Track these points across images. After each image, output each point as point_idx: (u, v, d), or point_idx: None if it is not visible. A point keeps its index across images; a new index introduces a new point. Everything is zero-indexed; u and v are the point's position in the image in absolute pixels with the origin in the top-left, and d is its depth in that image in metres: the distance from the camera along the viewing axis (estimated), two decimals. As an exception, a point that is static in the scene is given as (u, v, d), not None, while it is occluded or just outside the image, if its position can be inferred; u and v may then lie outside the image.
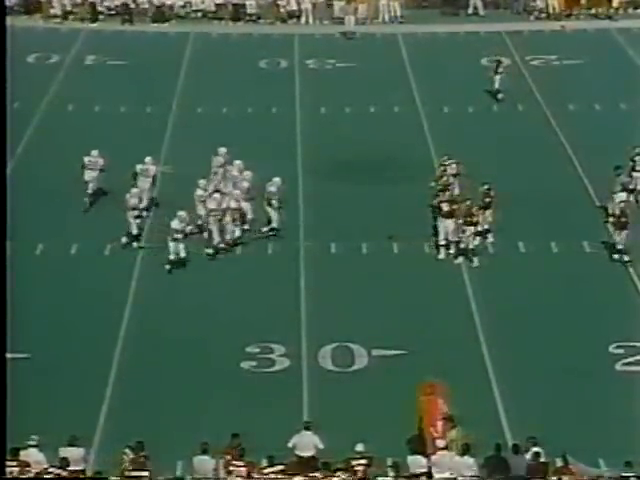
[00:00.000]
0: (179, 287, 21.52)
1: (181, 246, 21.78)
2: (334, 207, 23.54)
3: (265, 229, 23.10)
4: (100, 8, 37.24)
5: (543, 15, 37.26)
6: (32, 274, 20.96)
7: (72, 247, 22.89)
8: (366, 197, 24.48)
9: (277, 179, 23.28)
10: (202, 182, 23.41)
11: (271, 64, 33.28)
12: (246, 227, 23.11)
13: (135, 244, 22.76)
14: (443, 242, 22.25)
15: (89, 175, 24.38)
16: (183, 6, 37.38)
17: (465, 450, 15.58)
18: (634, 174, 24.30)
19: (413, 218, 23.08)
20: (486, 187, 22.85)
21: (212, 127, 28.56)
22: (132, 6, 37.05)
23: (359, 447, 15.69)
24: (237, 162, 24.34)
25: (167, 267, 21.75)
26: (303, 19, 37.30)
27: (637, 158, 24.46)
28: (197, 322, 20.22)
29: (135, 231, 22.85)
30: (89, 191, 24.39)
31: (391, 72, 32.37)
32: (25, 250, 21.77)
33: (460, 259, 22.09)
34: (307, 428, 16.30)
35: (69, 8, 37.00)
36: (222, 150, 24.88)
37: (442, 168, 24.31)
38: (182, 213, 21.99)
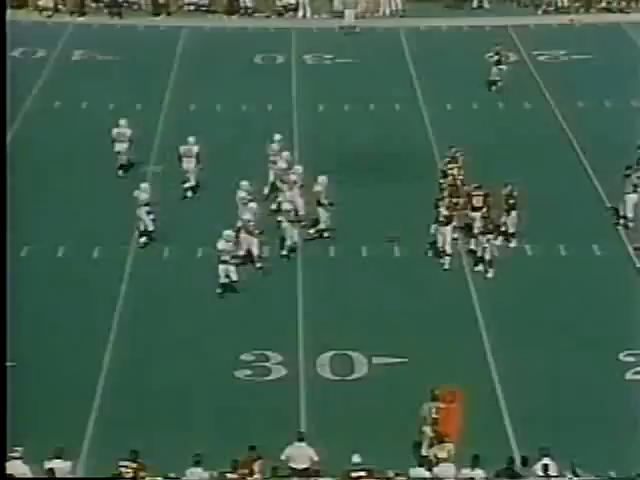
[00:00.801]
0: (171, 293, 21.55)
1: (231, 268, 20.99)
2: (333, 208, 23.56)
3: (312, 231, 22.86)
4: (88, 1, 37.33)
5: (551, 8, 37.35)
6: (17, 277, 20.98)
7: (59, 250, 22.94)
8: (366, 198, 24.53)
9: (323, 177, 23.04)
10: (244, 184, 23.04)
11: (267, 59, 33.34)
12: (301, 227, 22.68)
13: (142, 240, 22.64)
14: (442, 250, 22.09)
15: (119, 147, 25.59)
16: (175, -1, 37.52)
17: (475, 463, 15.64)
18: None
19: (415, 220, 23.13)
20: (509, 188, 22.76)
21: (205, 125, 28.61)
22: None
23: (355, 458, 15.71)
24: (285, 154, 24.25)
25: (218, 291, 21.05)
26: (300, 12, 37.36)
27: None
28: (189, 329, 20.27)
29: (151, 227, 22.79)
30: (122, 162, 25.59)
31: (392, 68, 32.44)
32: (10, 252, 21.79)
33: (480, 267, 21.85)
34: (301, 439, 16.31)
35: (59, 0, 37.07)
36: (277, 137, 24.97)
37: (448, 164, 24.30)
38: (228, 232, 21.14)
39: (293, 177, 23.39)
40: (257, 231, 22.07)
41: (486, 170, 24.54)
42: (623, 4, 37.18)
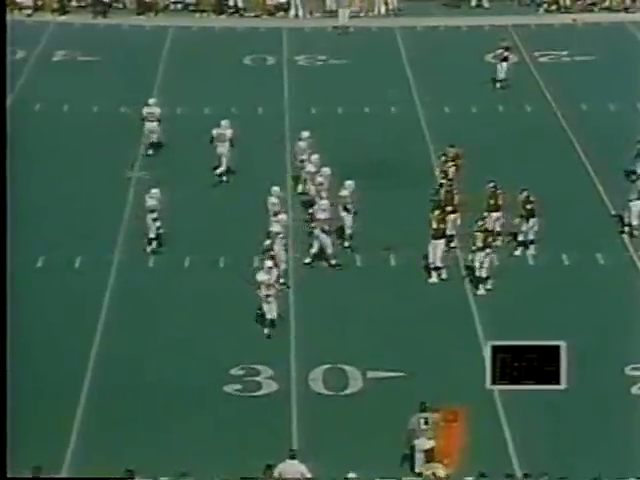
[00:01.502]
0: (158, 303, 21.54)
1: (274, 306, 20.33)
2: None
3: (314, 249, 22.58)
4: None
5: (553, 7, 37.48)
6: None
7: (39, 260, 22.91)
8: (360, 205, 24.53)
9: (350, 182, 23.05)
10: (276, 189, 23.04)
11: (257, 60, 33.38)
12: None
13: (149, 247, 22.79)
14: (432, 265, 21.96)
15: (149, 126, 26.86)
16: (162, -3, 37.56)
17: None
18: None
19: (411, 228, 23.13)
20: (525, 194, 22.74)
21: (192, 129, 28.62)
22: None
23: (351, 475, 15.71)
24: (315, 157, 24.36)
25: (266, 332, 20.31)
26: (292, 12, 37.43)
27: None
28: (176, 342, 20.24)
29: (152, 235, 22.87)
30: (153, 140, 26.86)
31: (388, 69, 32.51)
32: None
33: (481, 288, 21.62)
34: (293, 457, 16.34)
35: (38, -3, 37.14)
36: (305, 134, 25.26)
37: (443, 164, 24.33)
38: (269, 263, 20.48)
39: (320, 179, 23.48)
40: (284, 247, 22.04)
41: (486, 175, 24.55)
42: (627, 3, 37.33)
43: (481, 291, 21.59)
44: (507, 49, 30.85)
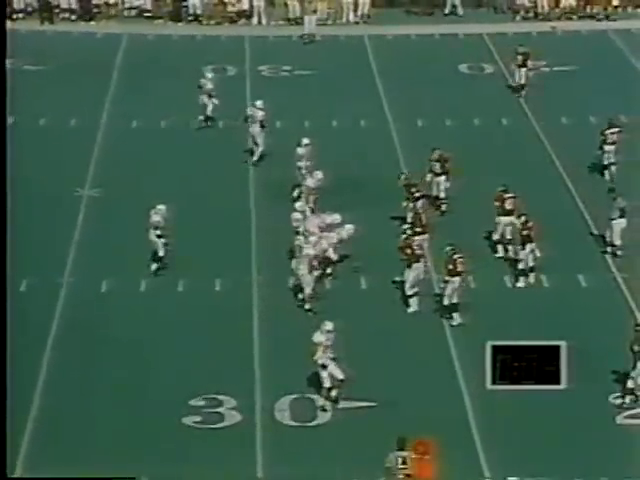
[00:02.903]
0: (111, 328, 21.58)
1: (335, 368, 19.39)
2: (291, 236, 23.74)
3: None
4: (16, 5, 37.41)
5: (530, 15, 37.93)
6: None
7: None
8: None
9: (337, 216, 23.34)
10: (300, 204, 23.49)
11: (218, 71, 33.54)
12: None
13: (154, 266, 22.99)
14: (411, 291, 22.06)
15: (252, 130, 27.41)
16: (114, 3, 37.64)
17: None
18: (605, 147, 26.32)
19: (382, 248, 23.35)
20: (523, 219, 22.88)
21: (148, 143, 28.77)
22: (54, 3, 37.21)
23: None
24: (317, 173, 24.78)
25: (319, 406, 19.39)
26: (255, 19, 37.65)
27: (607, 132, 26.54)
28: (130, 370, 20.29)
29: (162, 253, 22.97)
30: (260, 148, 27.40)
31: (357, 80, 32.77)
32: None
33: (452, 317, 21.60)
34: (259, 492, 16.43)
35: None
36: (305, 141, 25.80)
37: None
38: (330, 325, 19.37)
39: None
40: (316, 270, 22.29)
41: (461, 193, 24.87)
42: (609, 11, 37.80)
43: (456, 321, 21.73)
44: (525, 55, 31.11)
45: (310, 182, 24.87)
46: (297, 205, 23.63)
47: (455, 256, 21.49)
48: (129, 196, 26.04)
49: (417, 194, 24.35)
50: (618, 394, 19.52)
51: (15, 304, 21.99)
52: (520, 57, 31.13)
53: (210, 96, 29.01)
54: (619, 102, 30.36)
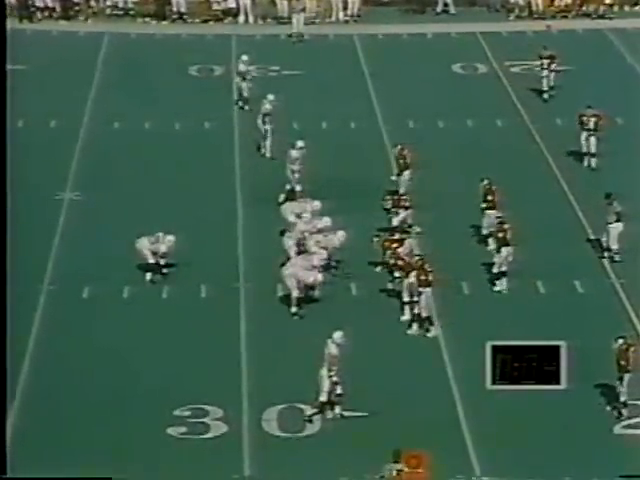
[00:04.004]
0: (93, 336, 21.52)
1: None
2: (279, 242, 23.72)
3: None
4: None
5: (525, 13, 38.02)
6: None
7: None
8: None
9: (327, 219, 23.48)
10: (306, 216, 23.55)
11: (203, 71, 33.55)
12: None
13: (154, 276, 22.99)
14: (408, 299, 21.95)
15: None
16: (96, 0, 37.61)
17: None
18: (583, 134, 27.31)
19: (374, 253, 23.34)
20: (497, 220, 23.11)
21: (132, 146, 28.72)
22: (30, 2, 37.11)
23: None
24: (316, 203, 24.31)
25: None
26: (241, 17, 37.64)
27: (584, 118, 27.31)
28: (113, 379, 20.22)
29: (152, 260, 22.96)
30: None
31: (346, 81, 32.79)
32: None
33: (415, 328, 21.55)
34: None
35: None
36: (299, 143, 25.81)
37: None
38: (339, 334, 19.39)
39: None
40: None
41: (453, 197, 24.88)
42: (605, 9, 37.89)
43: (432, 333, 21.61)
44: (551, 58, 31.13)
45: (307, 215, 24.03)
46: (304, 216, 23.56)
47: (425, 266, 21.49)
48: (112, 200, 26.00)
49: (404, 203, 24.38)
50: (614, 405, 19.53)
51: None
52: (545, 61, 31.13)
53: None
54: (616, 104, 30.40)
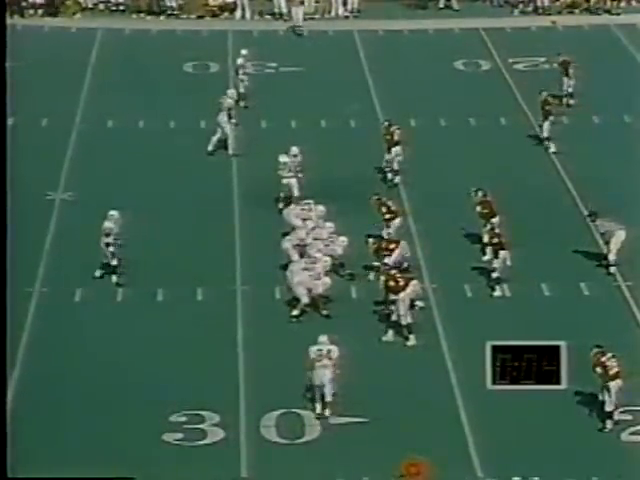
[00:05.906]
0: (85, 340, 21.58)
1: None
2: (276, 243, 23.80)
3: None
4: (-15, -2, 37.45)
5: (529, 9, 38.09)
6: None
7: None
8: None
9: (330, 224, 23.63)
10: (311, 223, 23.79)
11: (199, 68, 33.62)
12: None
13: (114, 278, 23.06)
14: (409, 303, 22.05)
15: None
16: (84, -5, 37.68)
17: None
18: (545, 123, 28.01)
19: (372, 256, 23.40)
20: (488, 226, 23.16)
21: (125, 145, 28.78)
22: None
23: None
24: (320, 208, 24.34)
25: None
26: (238, 13, 37.70)
27: (547, 107, 28.14)
28: (107, 384, 20.29)
29: (111, 261, 23.01)
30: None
31: (346, 78, 32.83)
32: None
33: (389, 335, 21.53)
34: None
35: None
36: (294, 149, 25.83)
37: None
38: (323, 338, 19.75)
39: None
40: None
41: (456, 198, 24.93)
42: (611, 4, 37.94)
43: (411, 342, 21.61)
44: (566, 63, 30.88)
45: (310, 222, 24.10)
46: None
47: (392, 271, 21.64)
48: (104, 200, 26.00)
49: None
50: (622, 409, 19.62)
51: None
52: (561, 67, 30.99)
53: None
54: (623, 101, 30.46)
